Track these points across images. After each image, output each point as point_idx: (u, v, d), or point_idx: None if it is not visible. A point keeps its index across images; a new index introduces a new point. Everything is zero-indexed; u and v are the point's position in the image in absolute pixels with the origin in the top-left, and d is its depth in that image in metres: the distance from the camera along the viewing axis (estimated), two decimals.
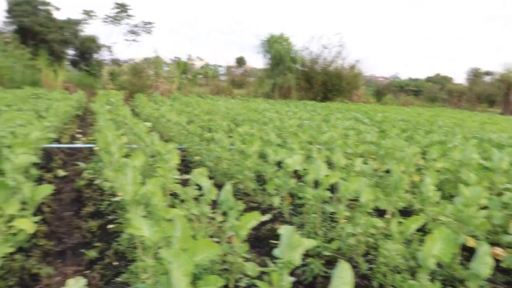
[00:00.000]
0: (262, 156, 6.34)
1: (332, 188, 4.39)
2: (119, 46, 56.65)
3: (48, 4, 41.11)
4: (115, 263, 3.49)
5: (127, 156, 4.82)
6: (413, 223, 3.00)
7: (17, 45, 33.45)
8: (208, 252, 2.18)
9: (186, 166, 7.13)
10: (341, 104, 27.21)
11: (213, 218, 3.87)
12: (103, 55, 44.28)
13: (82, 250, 4.00)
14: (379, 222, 3.52)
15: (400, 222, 3.17)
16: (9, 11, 40.69)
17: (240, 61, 50.71)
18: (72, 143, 9.33)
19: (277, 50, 32.39)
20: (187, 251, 2.12)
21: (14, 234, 3.26)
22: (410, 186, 5.32)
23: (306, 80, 33.62)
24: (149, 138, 5.80)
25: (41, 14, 40.71)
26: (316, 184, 4.19)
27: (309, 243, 2.29)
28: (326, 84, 32.79)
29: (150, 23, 45.08)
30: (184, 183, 4.83)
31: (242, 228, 2.71)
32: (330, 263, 3.73)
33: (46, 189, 3.43)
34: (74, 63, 41.50)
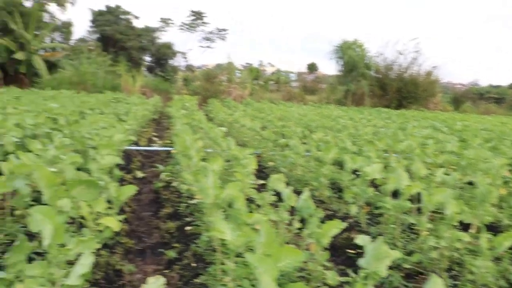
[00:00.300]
0: (337, 163, 6.24)
1: (412, 199, 4.22)
2: (193, 52, 58.19)
3: (128, 13, 43.24)
4: (193, 264, 3.55)
5: (203, 160, 4.92)
6: (506, 240, 2.81)
7: (99, 52, 35.38)
8: (291, 258, 2.16)
9: (260, 171, 7.16)
10: (416, 112, 26.26)
11: (289, 225, 3.84)
12: (178, 61, 45.82)
13: (161, 250, 4.11)
14: (465, 237, 3.34)
15: (489, 238, 2.98)
16: (93, 21, 43.22)
17: (312, 67, 50.49)
18: (150, 146, 9.68)
19: (351, 56, 31.84)
20: (271, 257, 2.11)
21: (100, 231, 3.41)
22: (497, 200, 5.01)
23: (380, 87, 32.73)
24: (225, 142, 5.88)
25: (122, 23, 42.91)
26: (395, 193, 4.05)
27: (395, 255, 2.20)
28: (401, 91, 31.76)
29: (224, 29, 46.12)
30: (258, 188, 4.84)
31: (323, 236, 2.67)
32: (410, 276, 3.58)
33: (130, 190, 3.56)
34: (150, 69, 43.27)
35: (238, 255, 2.53)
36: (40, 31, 32.53)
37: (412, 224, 4.23)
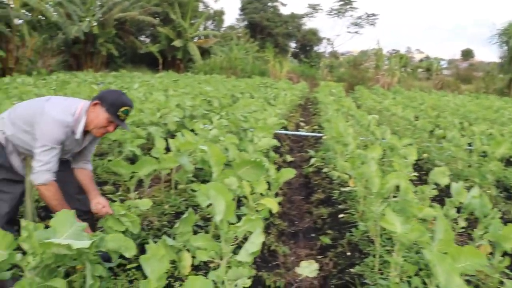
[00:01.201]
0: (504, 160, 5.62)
1: None
2: (339, 38, 57.49)
3: (275, 0, 44.11)
4: (348, 253, 3.46)
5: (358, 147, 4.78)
6: None
7: (247, 39, 36.74)
8: (473, 260, 1.95)
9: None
10: None
11: (455, 222, 3.54)
12: (323, 48, 45.69)
13: (313, 235, 4.09)
14: None
15: None
16: (242, 8, 44.97)
17: (467, 54, 46.61)
18: (297, 131, 9.77)
19: None
20: (449, 256, 1.92)
21: (258, 211, 3.49)
22: None
23: None
24: (379, 131, 5.65)
25: (269, 10, 43.98)
26: None
27: None
28: None
29: (374, 14, 44.74)
30: (412, 181, 4.55)
31: (505, 239, 2.38)
32: None
33: (289, 173, 3.58)
34: (295, 55, 43.79)
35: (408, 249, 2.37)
36: (195, 20, 34.76)
37: None
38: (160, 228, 3.76)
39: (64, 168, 2.84)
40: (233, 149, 3.99)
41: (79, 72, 21.99)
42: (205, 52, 33.35)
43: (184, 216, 2.72)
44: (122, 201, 4.53)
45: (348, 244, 3.62)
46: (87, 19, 25.29)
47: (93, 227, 3.05)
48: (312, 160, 6.26)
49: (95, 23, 25.95)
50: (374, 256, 3.07)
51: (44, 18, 20.10)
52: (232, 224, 2.37)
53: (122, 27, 29.52)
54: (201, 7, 38.90)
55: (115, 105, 2.61)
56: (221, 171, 2.98)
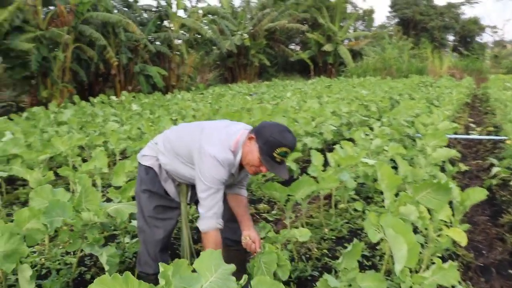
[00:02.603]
0: None
1: None
2: (509, 24, 51.47)
3: None
4: None
5: None
6: None
7: (400, 36, 34.93)
8: None
9: None
10: None
11: None
12: (486, 37, 41.40)
13: (510, 271, 3.26)
14: None
15: None
16: (392, 5, 42.96)
17: None
18: (467, 134, 8.58)
19: None
20: None
21: (437, 241, 2.83)
22: None
23: None
24: None
25: (422, 3, 41.29)
26: None
27: None
28: None
29: None
30: None
31: None
32: None
33: (479, 194, 2.83)
34: (454, 49, 40.39)
35: None
36: (344, 22, 34.06)
37: None
38: (319, 257, 3.32)
39: None
40: (403, 164, 3.37)
41: (233, 84, 22.92)
42: (356, 54, 32.49)
43: (349, 249, 2.21)
44: (277, 222, 4.22)
45: None
46: (239, 32, 26.32)
47: (243, 261, 2.76)
48: (494, 170, 5.26)
49: (246, 36, 26.88)
50: None
51: (199, 36, 21.30)
52: (415, 272, 1.81)
53: (272, 37, 30.16)
54: (349, 8, 38.08)
55: (270, 144, 2.14)
56: (394, 197, 2.42)
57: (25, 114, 9.79)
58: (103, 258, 2.69)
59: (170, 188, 2.54)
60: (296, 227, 3.88)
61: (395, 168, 5.24)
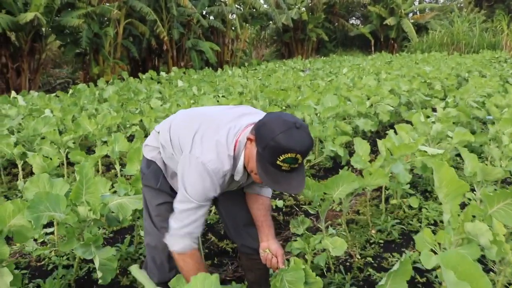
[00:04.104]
0: None
1: None
2: None
3: None
4: None
5: None
6: None
7: (471, 9, 32.53)
8: None
9: None
10: None
11: None
12: None
13: None
14: None
15: None
16: None
17: None
18: None
19: None
20: None
21: None
22: None
23: None
24: None
25: None
26: None
27: None
28: None
29: None
30: None
31: None
32: None
33: None
34: None
35: None
36: None
37: None
38: (362, 266, 2.74)
39: (231, 194, 2.07)
40: (470, 158, 2.69)
41: (289, 60, 22.16)
42: (421, 29, 30.58)
43: (395, 268, 1.59)
44: (319, 216, 3.65)
45: None
46: (296, 6, 25.38)
47: (266, 271, 2.26)
48: None
49: (303, 9, 25.92)
50: None
51: (254, 9, 20.65)
52: None
53: (331, 11, 28.97)
54: None
55: (271, 151, 1.53)
56: (456, 209, 1.78)
57: (70, 91, 9.67)
58: (96, 262, 2.27)
59: (176, 185, 2.04)
60: (338, 225, 3.31)
61: (459, 157, 4.54)
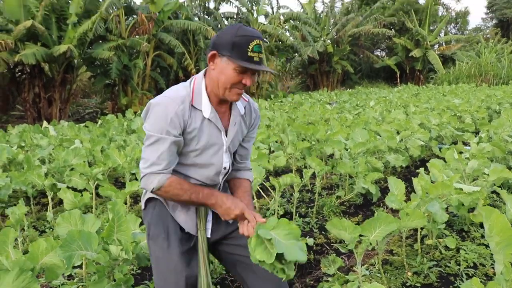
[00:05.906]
0: None
1: None
2: None
3: None
4: None
5: None
6: None
7: (498, 39, 32.27)
8: None
9: None
10: None
11: None
12: None
13: None
14: None
15: None
16: (489, 6, 39.96)
17: None
18: None
19: None
20: None
21: None
22: None
23: None
24: None
25: None
26: None
27: None
28: None
29: None
30: None
31: None
32: None
33: None
34: None
35: None
36: (435, 25, 32.11)
37: None
38: None
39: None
40: None
41: (314, 92, 22.18)
42: (447, 60, 30.45)
43: None
44: (350, 255, 3.54)
45: None
46: (322, 38, 25.58)
47: None
48: None
49: (329, 42, 26.07)
50: None
51: (280, 42, 20.86)
52: None
53: (357, 43, 29.08)
54: (440, 10, 35.86)
55: (239, 45, 1.70)
56: (509, 258, 1.67)
57: (99, 122, 9.82)
58: None
59: (181, 217, 1.98)
60: (371, 265, 3.18)
61: (495, 193, 4.38)
